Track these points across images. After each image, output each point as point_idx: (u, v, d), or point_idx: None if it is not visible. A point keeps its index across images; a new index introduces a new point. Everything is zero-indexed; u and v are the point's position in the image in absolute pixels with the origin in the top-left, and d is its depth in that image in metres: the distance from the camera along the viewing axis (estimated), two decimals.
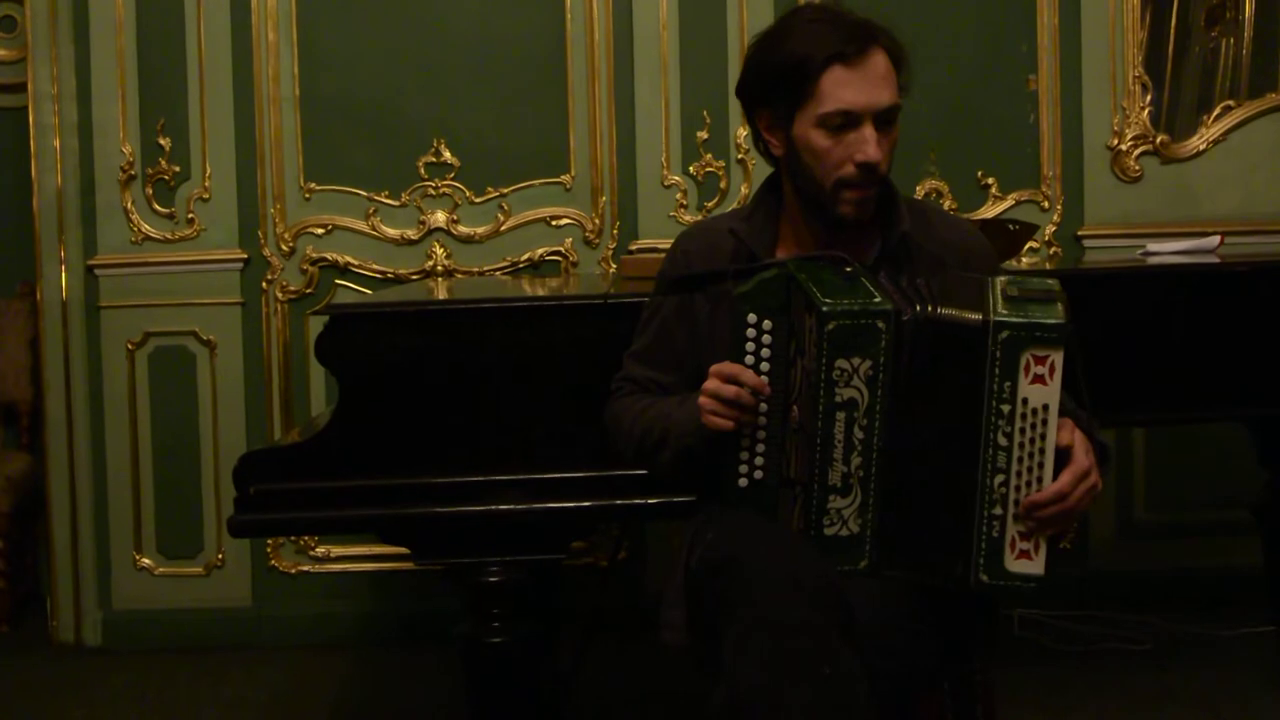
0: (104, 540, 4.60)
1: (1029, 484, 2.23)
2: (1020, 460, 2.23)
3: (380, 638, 4.54)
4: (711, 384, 2.31)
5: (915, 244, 2.52)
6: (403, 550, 3.03)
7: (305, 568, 4.62)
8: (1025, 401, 2.20)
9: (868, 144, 2.40)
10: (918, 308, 2.22)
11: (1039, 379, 2.20)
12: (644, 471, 2.63)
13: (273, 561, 4.61)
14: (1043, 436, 2.22)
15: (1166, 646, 4.15)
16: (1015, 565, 2.25)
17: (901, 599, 2.30)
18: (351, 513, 2.96)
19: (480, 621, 2.94)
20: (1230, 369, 3.25)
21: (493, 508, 2.91)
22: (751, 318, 2.29)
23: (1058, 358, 2.19)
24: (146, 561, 4.59)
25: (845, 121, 2.40)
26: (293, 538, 4.55)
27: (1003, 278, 2.32)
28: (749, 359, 2.30)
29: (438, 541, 2.95)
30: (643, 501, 2.92)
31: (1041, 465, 2.23)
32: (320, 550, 4.60)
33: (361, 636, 4.56)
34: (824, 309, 2.19)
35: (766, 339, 2.29)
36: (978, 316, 2.20)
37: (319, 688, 4.15)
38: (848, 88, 2.39)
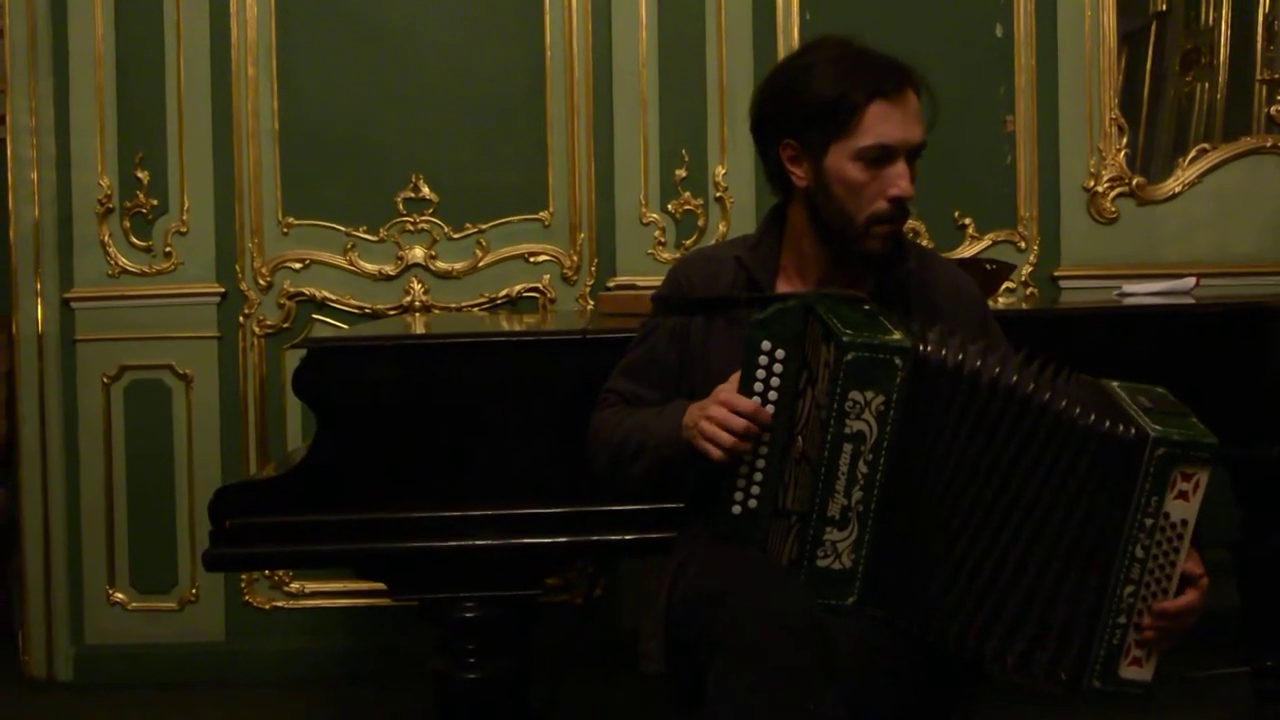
0: (77, 575, 4.57)
1: (1155, 595, 2.26)
2: (1151, 572, 2.24)
3: (355, 674, 4.51)
4: (717, 411, 2.31)
5: (914, 284, 2.53)
6: (378, 586, 3.02)
7: (279, 603, 4.59)
8: (1167, 516, 2.22)
9: (902, 178, 2.45)
10: (1048, 396, 2.23)
11: (1183, 495, 2.22)
12: (618, 507, 2.62)
13: (246, 597, 4.58)
14: (1176, 550, 2.24)
15: None
16: (1128, 672, 2.29)
17: (886, 640, 2.29)
18: (327, 548, 2.95)
19: (454, 657, 2.92)
20: (1206, 410, 3.24)
21: (468, 543, 2.90)
22: (766, 345, 2.29)
23: (1204, 477, 2.22)
24: (120, 596, 4.56)
25: (882, 155, 2.44)
26: (267, 573, 4.52)
27: (1115, 382, 2.35)
28: (758, 385, 2.29)
29: (413, 577, 2.94)
30: (618, 538, 2.92)
31: (1170, 578, 2.26)
32: (295, 586, 4.57)
33: (336, 673, 4.53)
34: (844, 339, 2.21)
35: (778, 368, 2.29)
36: (1130, 431, 2.21)
37: None
38: (888, 122, 2.43)
